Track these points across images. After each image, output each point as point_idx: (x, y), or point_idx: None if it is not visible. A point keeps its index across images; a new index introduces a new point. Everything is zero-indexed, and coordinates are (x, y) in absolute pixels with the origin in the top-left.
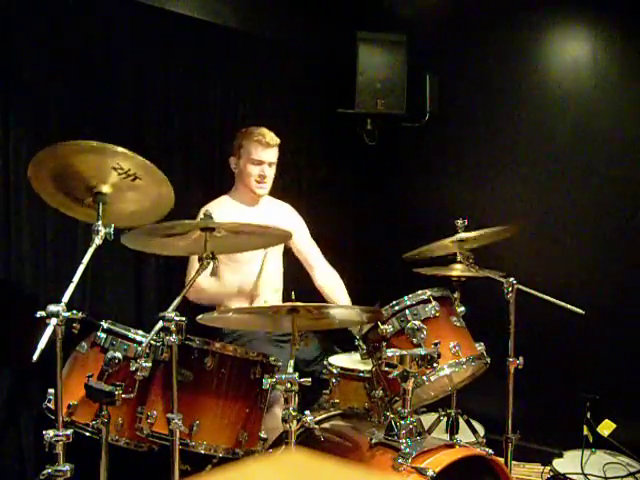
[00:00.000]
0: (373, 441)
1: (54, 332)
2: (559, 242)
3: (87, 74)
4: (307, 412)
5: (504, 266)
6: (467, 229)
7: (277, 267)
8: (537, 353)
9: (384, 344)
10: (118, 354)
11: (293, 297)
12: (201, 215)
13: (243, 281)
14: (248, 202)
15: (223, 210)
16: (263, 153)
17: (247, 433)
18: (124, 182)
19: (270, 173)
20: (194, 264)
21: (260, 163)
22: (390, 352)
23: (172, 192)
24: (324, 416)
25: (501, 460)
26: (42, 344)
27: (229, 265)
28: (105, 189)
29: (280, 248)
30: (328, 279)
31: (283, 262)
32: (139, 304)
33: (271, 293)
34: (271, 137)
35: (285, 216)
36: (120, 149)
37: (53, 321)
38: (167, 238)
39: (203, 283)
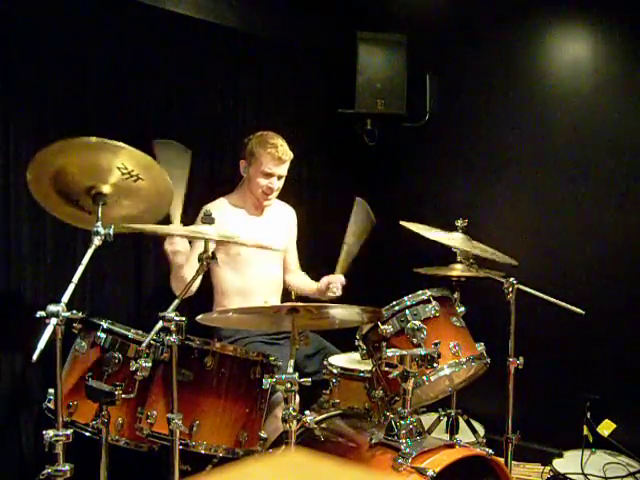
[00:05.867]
0: (373, 441)
1: (54, 332)
2: (559, 242)
3: (87, 74)
4: (307, 412)
5: (504, 266)
6: (467, 229)
7: (278, 270)
8: (537, 353)
9: (384, 344)
10: (118, 354)
11: (293, 297)
12: (201, 215)
13: (243, 281)
14: (250, 207)
15: (223, 214)
16: (275, 167)
17: (247, 433)
18: (125, 182)
19: (279, 185)
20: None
21: (270, 176)
22: (390, 352)
23: (172, 190)
24: (324, 416)
25: (501, 460)
26: (42, 344)
27: (229, 264)
28: (105, 189)
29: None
30: (303, 278)
31: None
32: (139, 304)
33: (271, 294)
34: (284, 152)
35: (285, 219)
36: (121, 144)
37: (53, 321)
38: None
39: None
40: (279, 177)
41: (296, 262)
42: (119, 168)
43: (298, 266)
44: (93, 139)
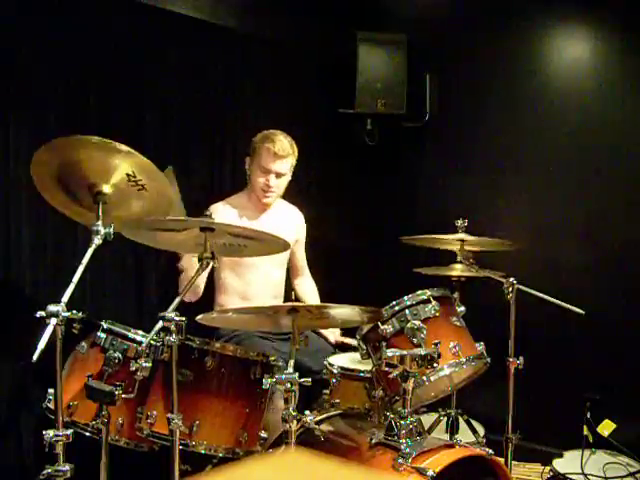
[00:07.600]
0: (373, 441)
1: (54, 332)
2: (559, 242)
3: (87, 74)
4: (307, 412)
5: (504, 266)
6: (467, 230)
7: (280, 274)
8: (537, 353)
9: (384, 344)
10: (118, 354)
11: (293, 297)
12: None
13: (244, 284)
14: (253, 206)
15: (228, 212)
16: (272, 163)
17: (247, 433)
18: (128, 188)
19: (276, 183)
20: (187, 261)
21: (267, 172)
22: (390, 352)
23: (173, 193)
24: (324, 416)
25: (501, 460)
26: (42, 344)
27: (232, 270)
28: (106, 189)
29: (285, 255)
30: (309, 288)
31: None
32: (139, 304)
33: (271, 299)
34: (281, 147)
35: (290, 221)
36: (124, 147)
37: (53, 321)
38: (165, 232)
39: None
40: (277, 175)
41: (303, 266)
42: (128, 175)
43: (306, 271)
44: (116, 144)
